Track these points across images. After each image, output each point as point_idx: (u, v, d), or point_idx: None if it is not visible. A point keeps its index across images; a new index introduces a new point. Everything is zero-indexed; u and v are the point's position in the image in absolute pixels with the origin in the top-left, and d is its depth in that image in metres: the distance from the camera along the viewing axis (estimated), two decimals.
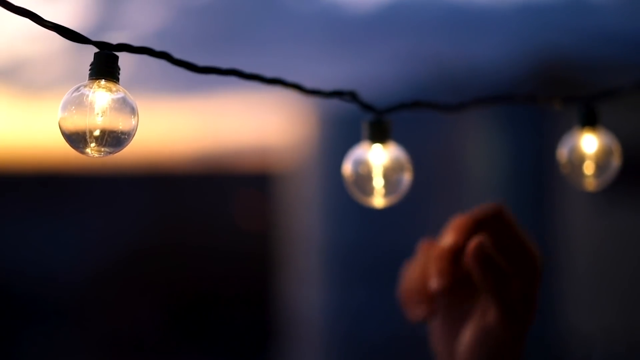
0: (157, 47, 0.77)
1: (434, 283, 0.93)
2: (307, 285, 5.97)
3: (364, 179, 0.95)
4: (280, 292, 6.34)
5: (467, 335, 0.92)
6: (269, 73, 0.87)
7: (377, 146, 0.95)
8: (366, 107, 0.94)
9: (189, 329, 7.23)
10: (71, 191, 7.88)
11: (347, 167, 0.96)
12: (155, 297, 7.35)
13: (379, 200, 0.96)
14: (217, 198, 8.00)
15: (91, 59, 0.74)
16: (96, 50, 0.74)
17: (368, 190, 0.96)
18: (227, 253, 7.66)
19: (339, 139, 4.96)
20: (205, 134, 7.47)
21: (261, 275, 7.04)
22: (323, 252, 5.90)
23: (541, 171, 5.39)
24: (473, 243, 0.88)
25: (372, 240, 5.68)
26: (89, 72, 0.72)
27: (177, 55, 0.79)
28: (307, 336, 5.92)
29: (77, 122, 0.70)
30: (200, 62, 0.82)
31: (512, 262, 0.90)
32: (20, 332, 6.94)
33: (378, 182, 0.95)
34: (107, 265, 7.41)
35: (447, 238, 0.93)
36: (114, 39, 0.75)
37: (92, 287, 7.27)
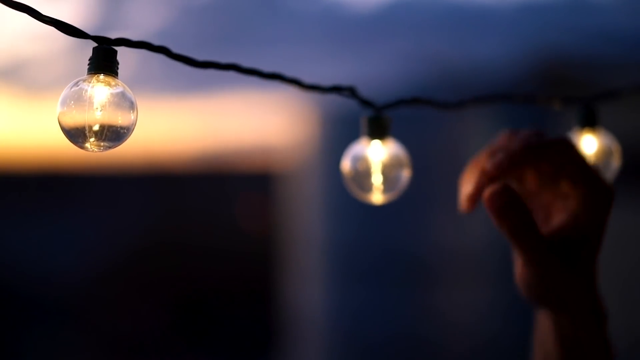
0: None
1: (467, 188, 0.90)
2: (308, 284, 5.97)
3: (362, 175, 0.94)
4: (281, 291, 6.35)
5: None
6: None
7: (376, 142, 0.94)
8: (365, 102, 0.94)
9: (191, 328, 7.23)
10: (72, 191, 7.88)
11: (346, 164, 0.95)
12: (157, 296, 7.35)
13: (377, 196, 0.95)
14: (219, 197, 8.01)
15: None
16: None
17: (367, 186, 0.95)
18: (229, 252, 7.66)
19: (340, 138, 4.95)
20: (207, 134, 7.48)
21: (263, 274, 7.05)
22: (324, 251, 5.90)
23: None
24: (488, 192, 0.85)
25: (373, 240, 5.68)
26: (87, 66, 0.72)
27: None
28: (308, 335, 5.93)
29: (76, 116, 0.70)
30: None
31: (579, 192, 0.85)
32: (21, 332, 6.94)
33: (377, 179, 0.95)
34: (108, 265, 7.41)
35: (496, 156, 0.87)
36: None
37: (93, 286, 7.28)
